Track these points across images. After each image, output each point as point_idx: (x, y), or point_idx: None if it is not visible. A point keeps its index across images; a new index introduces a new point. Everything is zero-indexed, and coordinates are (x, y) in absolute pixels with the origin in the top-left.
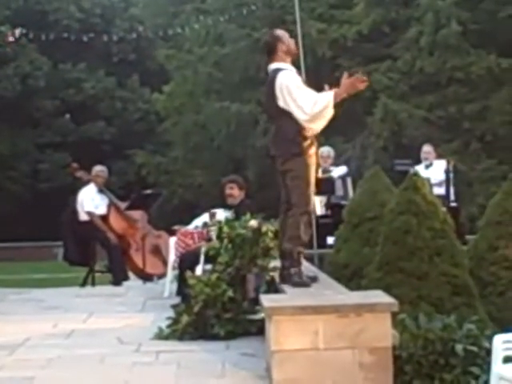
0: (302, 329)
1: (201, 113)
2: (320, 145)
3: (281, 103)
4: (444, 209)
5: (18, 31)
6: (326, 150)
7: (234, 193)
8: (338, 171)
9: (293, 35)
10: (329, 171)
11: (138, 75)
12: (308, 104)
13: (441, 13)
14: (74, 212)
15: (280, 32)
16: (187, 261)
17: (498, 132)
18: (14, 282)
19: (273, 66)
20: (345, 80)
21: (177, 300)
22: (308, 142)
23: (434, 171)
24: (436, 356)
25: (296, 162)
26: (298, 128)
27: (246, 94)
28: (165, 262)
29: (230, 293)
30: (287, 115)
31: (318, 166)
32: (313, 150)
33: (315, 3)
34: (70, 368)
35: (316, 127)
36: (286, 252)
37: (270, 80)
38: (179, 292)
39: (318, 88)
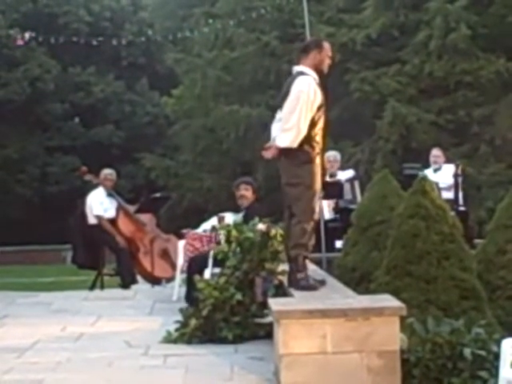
0: (310, 332)
1: (210, 116)
2: (328, 149)
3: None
4: (453, 213)
5: (27, 34)
6: (333, 155)
7: (248, 194)
8: (345, 175)
9: (301, 39)
10: (334, 175)
11: (147, 79)
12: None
13: (450, 17)
14: (83, 215)
15: (326, 44)
16: (196, 264)
17: (507, 136)
18: (23, 286)
19: (298, 68)
20: None
21: (185, 304)
22: (310, 149)
23: (442, 175)
24: (444, 360)
25: (304, 170)
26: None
27: (255, 97)
28: (173, 266)
29: (238, 296)
30: None
31: (324, 170)
32: (316, 159)
33: (324, 7)
34: (79, 371)
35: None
36: (292, 258)
37: (290, 80)
38: (188, 297)
39: (327, 92)
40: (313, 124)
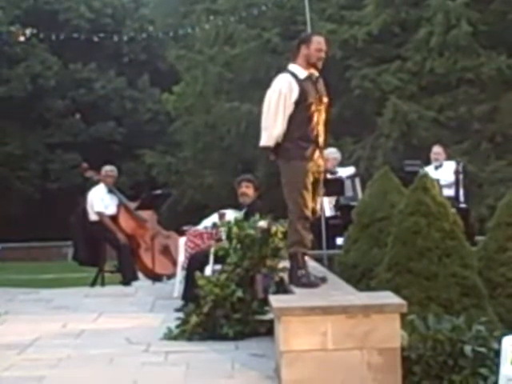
0: (310, 329)
1: (211, 113)
2: (328, 146)
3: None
4: (453, 210)
5: (28, 31)
6: (330, 152)
7: (249, 192)
8: (346, 171)
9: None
10: (334, 172)
11: (149, 75)
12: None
13: (451, 13)
14: (84, 212)
15: (315, 38)
16: (197, 261)
17: (508, 133)
18: (24, 282)
19: (289, 65)
20: None
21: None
22: (292, 146)
23: (443, 172)
24: (445, 357)
25: (289, 168)
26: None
27: (256, 94)
28: (174, 263)
29: (239, 293)
30: None
31: (325, 168)
32: (304, 155)
33: (325, 4)
34: (80, 368)
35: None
36: (291, 255)
37: None
38: (184, 296)
39: (328, 89)
40: (293, 120)
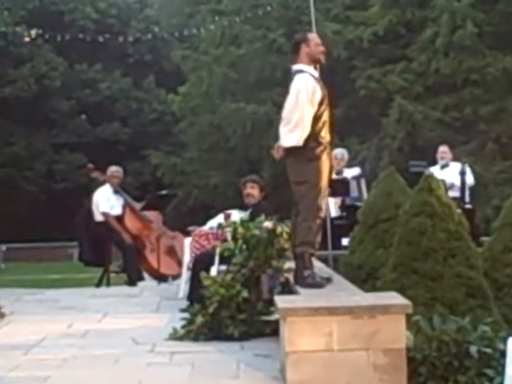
0: (316, 330)
1: (216, 113)
2: (334, 146)
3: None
4: (459, 210)
5: (33, 32)
6: (340, 153)
7: (255, 193)
8: (351, 172)
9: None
10: (341, 173)
11: (154, 76)
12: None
13: (456, 14)
14: (90, 212)
15: (311, 35)
16: (202, 262)
17: None
18: (29, 283)
19: (296, 66)
20: None
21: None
22: (316, 146)
23: (449, 173)
24: (450, 358)
25: (310, 168)
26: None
27: (262, 94)
28: (180, 263)
29: (244, 294)
30: None
31: (331, 167)
32: (322, 155)
33: (331, 4)
34: (85, 368)
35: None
36: (298, 255)
37: (291, 80)
38: (189, 297)
39: (333, 89)
40: (316, 120)
